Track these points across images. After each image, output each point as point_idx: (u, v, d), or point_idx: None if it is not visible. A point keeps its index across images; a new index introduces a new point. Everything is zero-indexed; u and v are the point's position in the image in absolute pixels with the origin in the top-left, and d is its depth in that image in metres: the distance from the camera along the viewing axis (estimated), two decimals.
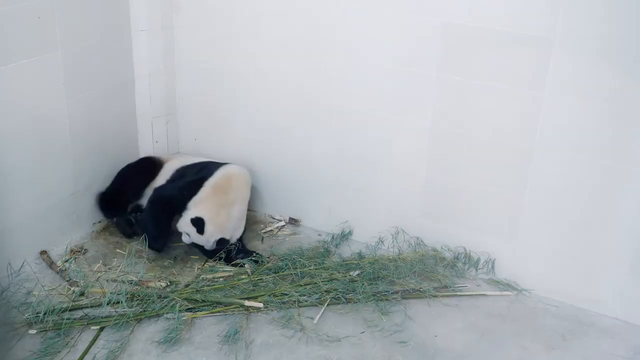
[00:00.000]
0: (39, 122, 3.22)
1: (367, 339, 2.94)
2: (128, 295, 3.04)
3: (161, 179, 3.61)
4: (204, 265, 3.40)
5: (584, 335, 3.02)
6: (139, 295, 3.07)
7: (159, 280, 3.23)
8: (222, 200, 3.38)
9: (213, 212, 3.34)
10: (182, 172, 3.59)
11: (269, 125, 3.68)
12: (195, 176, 3.50)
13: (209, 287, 3.16)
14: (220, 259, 3.38)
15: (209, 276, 3.28)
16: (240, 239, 3.48)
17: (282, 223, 3.80)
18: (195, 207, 3.36)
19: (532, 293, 3.24)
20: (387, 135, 3.37)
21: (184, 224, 3.37)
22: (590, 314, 3.13)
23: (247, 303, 3.05)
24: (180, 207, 3.40)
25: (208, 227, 3.32)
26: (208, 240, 3.34)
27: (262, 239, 3.66)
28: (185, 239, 3.39)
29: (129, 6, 3.57)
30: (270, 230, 3.74)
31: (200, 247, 3.42)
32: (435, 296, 3.19)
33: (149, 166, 3.68)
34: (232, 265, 3.36)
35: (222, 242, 3.35)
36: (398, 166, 3.40)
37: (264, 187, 3.83)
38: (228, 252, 3.38)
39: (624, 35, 2.74)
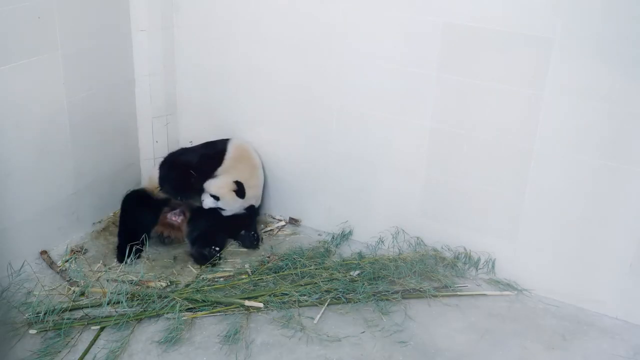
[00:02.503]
0: (39, 122, 3.22)
1: (367, 339, 2.93)
2: (128, 295, 3.04)
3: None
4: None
5: (584, 335, 3.02)
6: (139, 295, 3.07)
7: (159, 280, 3.23)
8: (250, 168, 3.41)
9: (247, 178, 3.35)
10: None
11: (268, 125, 3.67)
12: (210, 150, 3.50)
13: (209, 287, 3.16)
14: (219, 259, 3.39)
15: (209, 276, 3.28)
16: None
17: (282, 223, 3.80)
18: (227, 173, 3.36)
19: (532, 293, 3.24)
20: (387, 135, 3.37)
21: (215, 188, 3.31)
22: (590, 314, 3.13)
23: (247, 303, 3.05)
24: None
25: (248, 192, 3.32)
26: (242, 205, 3.32)
27: (262, 239, 3.66)
28: (207, 203, 3.32)
29: (129, 6, 3.57)
30: (270, 230, 3.74)
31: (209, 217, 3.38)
32: (436, 296, 3.19)
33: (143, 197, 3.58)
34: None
35: (251, 209, 3.37)
36: (398, 166, 3.40)
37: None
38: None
39: (623, 35, 2.74)
